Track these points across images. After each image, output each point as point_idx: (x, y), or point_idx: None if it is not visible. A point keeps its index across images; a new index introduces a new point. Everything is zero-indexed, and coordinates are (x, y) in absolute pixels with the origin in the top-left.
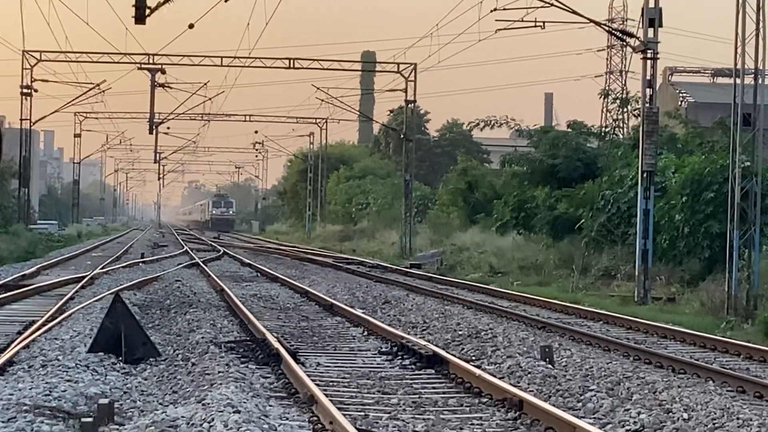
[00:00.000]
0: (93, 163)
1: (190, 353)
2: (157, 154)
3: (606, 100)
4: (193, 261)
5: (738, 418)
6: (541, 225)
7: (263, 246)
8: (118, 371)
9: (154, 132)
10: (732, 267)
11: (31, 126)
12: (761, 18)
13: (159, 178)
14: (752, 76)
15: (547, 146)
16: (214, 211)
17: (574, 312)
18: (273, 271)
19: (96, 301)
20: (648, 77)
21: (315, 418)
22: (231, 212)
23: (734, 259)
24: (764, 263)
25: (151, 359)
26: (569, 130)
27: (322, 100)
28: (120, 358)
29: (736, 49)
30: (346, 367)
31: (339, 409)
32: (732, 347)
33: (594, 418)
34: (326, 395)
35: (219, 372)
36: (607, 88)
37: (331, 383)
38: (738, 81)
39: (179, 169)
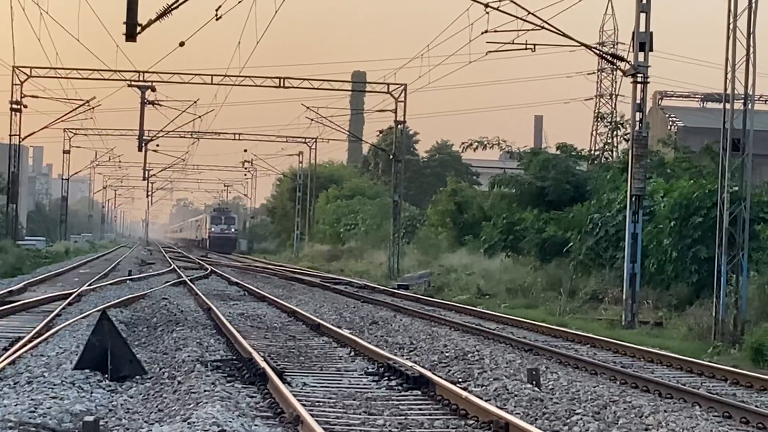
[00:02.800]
0: (81, 180)
1: (176, 371)
2: (146, 172)
3: (596, 123)
4: (181, 279)
5: None
6: (530, 247)
7: (251, 265)
8: (104, 389)
9: (143, 149)
10: (720, 292)
11: (20, 142)
12: (752, 44)
13: (147, 196)
14: (742, 101)
15: (537, 169)
16: (212, 229)
17: (561, 335)
18: (260, 290)
19: (83, 318)
20: (638, 101)
21: None
22: (233, 230)
23: (722, 284)
24: (752, 288)
25: (137, 377)
26: (558, 152)
27: (312, 120)
28: (106, 376)
29: (726, 74)
30: (333, 388)
31: (324, 429)
32: (719, 372)
33: None
34: (312, 415)
35: (205, 391)
36: (598, 111)
37: (317, 403)
38: (728, 106)
39: (168, 187)
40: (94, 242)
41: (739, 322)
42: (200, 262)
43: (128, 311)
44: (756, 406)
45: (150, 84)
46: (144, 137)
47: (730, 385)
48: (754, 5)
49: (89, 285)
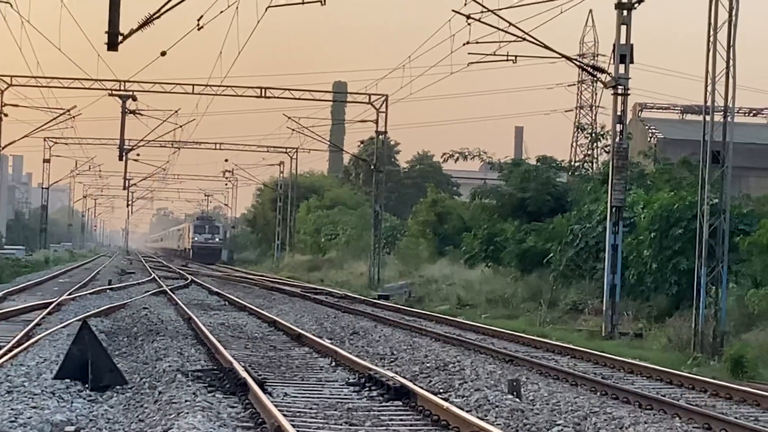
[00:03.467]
0: (61, 189)
1: (156, 381)
2: (127, 181)
3: (577, 134)
4: (161, 288)
5: None
6: (510, 258)
7: (231, 275)
8: (85, 399)
9: (123, 158)
10: (699, 303)
11: (0, 151)
12: (731, 56)
13: (128, 205)
14: (722, 113)
15: (518, 180)
16: (196, 238)
17: (541, 346)
18: (241, 300)
19: (63, 327)
20: (618, 113)
21: None
22: (218, 239)
23: (701, 295)
24: (731, 300)
25: (117, 387)
26: (539, 164)
27: (293, 130)
28: (86, 386)
29: (706, 86)
30: (314, 398)
31: None
32: (698, 384)
33: None
34: (293, 425)
35: (186, 401)
36: (578, 122)
37: (298, 413)
38: (708, 118)
39: (148, 196)
40: (73, 251)
41: (719, 333)
42: (180, 271)
43: (109, 321)
44: (735, 418)
45: (131, 93)
46: (125, 146)
47: (709, 396)
48: (734, 18)
49: (69, 294)
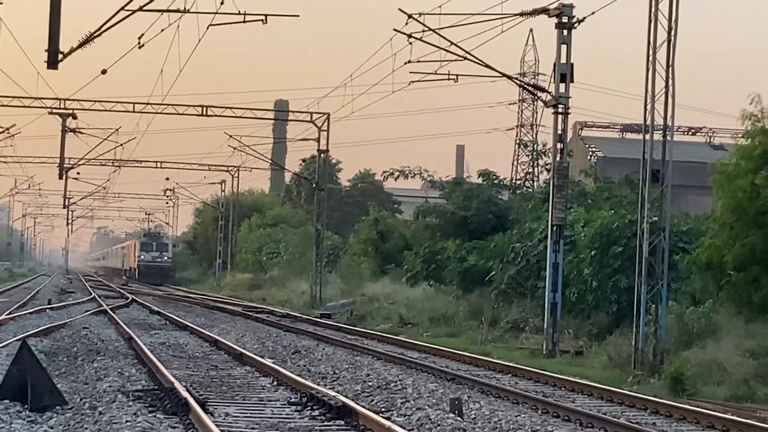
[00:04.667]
0: (1, 208)
1: (97, 402)
2: (67, 200)
3: (518, 152)
4: (101, 308)
5: None
6: (452, 276)
7: (173, 294)
8: (24, 419)
9: (63, 177)
10: (639, 321)
11: None
12: (671, 75)
13: (68, 224)
14: (661, 132)
15: (460, 198)
16: (142, 256)
17: (483, 364)
18: (182, 319)
19: (2, 347)
20: (559, 131)
21: None
22: (166, 257)
23: (641, 313)
24: (671, 318)
25: (57, 407)
26: (481, 180)
27: (235, 148)
28: (26, 406)
29: (645, 105)
30: (255, 417)
31: None
32: (639, 401)
33: None
34: None
35: (126, 421)
36: (519, 140)
37: None
38: (647, 137)
39: (89, 215)
40: (12, 270)
41: (659, 351)
42: (121, 290)
43: (48, 341)
44: None
45: (71, 111)
46: (65, 165)
47: (650, 414)
48: (672, 38)
49: (8, 314)
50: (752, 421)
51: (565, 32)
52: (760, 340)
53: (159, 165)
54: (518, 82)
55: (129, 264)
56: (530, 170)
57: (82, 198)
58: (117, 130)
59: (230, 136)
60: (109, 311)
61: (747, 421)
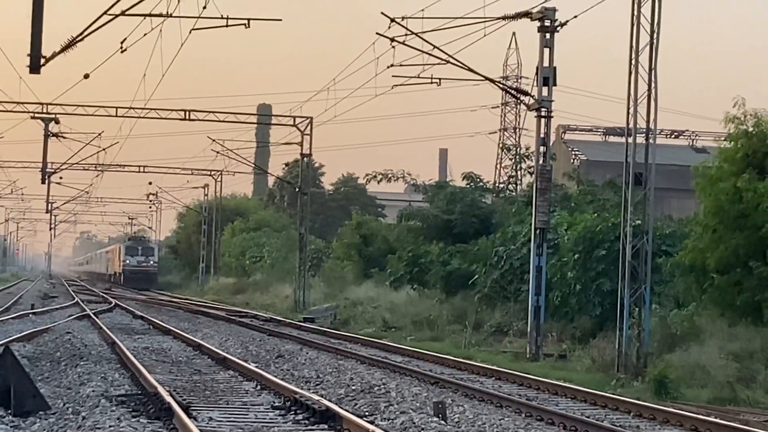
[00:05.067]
0: None
1: (80, 407)
2: (49, 204)
3: (501, 156)
4: (84, 312)
5: None
6: (435, 280)
7: (156, 298)
8: (7, 425)
9: (46, 182)
10: (623, 324)
11: None
12: (653, 79)
13: (51, 229)
14: (644, 135)
15: (443, 202)
16: (128, 261)
17: (466, 368)
18: (165, 323)
19: None
20: (542, 135)
21: None
22: (152, 262)
23: (625, 316)
24: (654, 321)
25: (40, 412)
26: (465, 184)
27: (218, 152)
28: (9, 411)
29: (628, 109)
30: (239, 422)
31: None
32: (622, 404)
33: None
34: None
35: (110, 426)
36: (502, 144)
37: None
38: (630, 140)
39: (71, 220)
40: None
41: (642, 354)
42: (104, 295)
43: (31, 346)
44: None
45: (54, 116)
46: (47, 170)
47: (633, 417)
48: (655, 41)
49: None
50: (735, 424)
51: (548, 36)
52: (743, 342)
53: (142, 169)
54: (501, 86)
55: (114, 269)
56: (513, 174)
57: (65, 202)
58: (100, 134)
59: (213, 140)
60: (93, 316)
61: (730, 424)
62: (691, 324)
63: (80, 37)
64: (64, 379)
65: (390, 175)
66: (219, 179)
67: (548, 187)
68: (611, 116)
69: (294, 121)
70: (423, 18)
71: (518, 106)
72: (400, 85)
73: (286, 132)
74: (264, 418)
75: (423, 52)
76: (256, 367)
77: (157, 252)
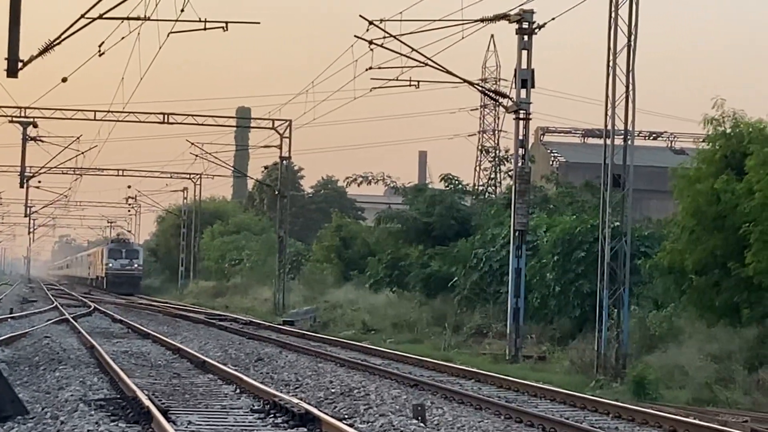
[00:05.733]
0: None
1: (59, 411)
2: (28, 208)
3: (480, 158)
4: (63, 317)
5: None
6: (415, 282)
7: (135, 302)
8: None
9: (24, 185)
10: (601, 326)
11: None
12: (631, 81)
13: (29, 233)
14: (622, 137)
15: (423, 204)
16: (111, 264)
17: (446, 370)
18: (144, 327)
19: None
20: (520, 137)
21: None
22: (137, 265)
23: (604, 318)
24: (633, 322)
25: (19, 417)
26: (444, 185)
27: (197, 156)
28: None
29: (606, 110)
30: (218, 426)
31: None
32: (601, 406)
33: None
34: None
35: (88, 430)
36: (481, 146)
37: None
38: (608, 142)
39: (50, 224)
40: None
41: (621, 355)
42: (83, 299)
43: (9, 350)
44: None
45: (32, 120)
46: (26, 174)
47: (612, 418)
48: (632, 44)
49: None
50: (714, 425)
51: (526, 38)
52: (721, 343)
53: (121, 173)
54: (479, 88)
55: (96, 272)
56: (492, 176)
57: (44, 206)
58: (78, 138)
59: (192, 144)
60: (71, 320)
61: (709, 425)
62: (669, 325)
63: (58, 41)
64: (42, 384)
65: (370, 178)
66: (198, 182)
67: (527, 189)
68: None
69: (273, 124)
70: (401, 21)
71: (497, 109)
72: (379, 87)
73: (266, 135)
74: (243, 422)
75: (401, 54)
76: (236, 370)
77: (142, 255)
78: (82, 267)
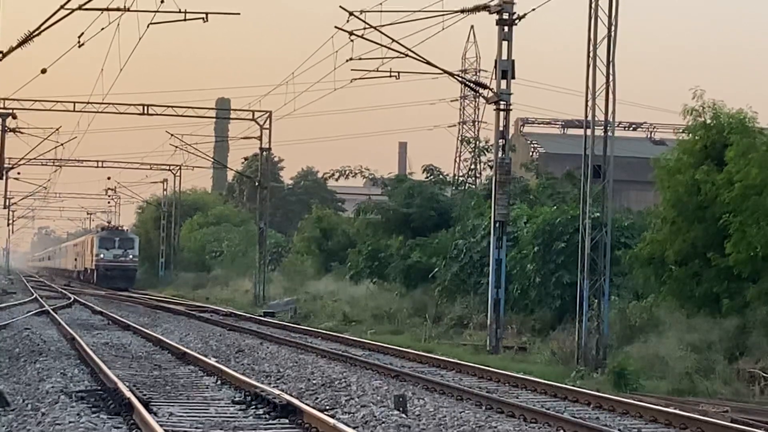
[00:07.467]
0: None
1: (39, 403)
2: (7, 200)
3: (460, 149)
4: (43, 308)
5: None
6: (395, 273)
7: (115, 294)
8: None
9: (3, 177)
10: (582, 317)
11: None
12: (611, 71)
13: (8, 224)
14: (602, 127)
15: (402, 196)
16: (102, 255)
17: (427, 361)
18: (125, 319)
19: None
20: (500, 128)
21: None
22: (132, 256)
23: (584, 309)
24: (613, 313)
25: None
26: (424, 177)
27: (177, 147)
28: None
29: (587, 101)
30: (200, 417)
31: None
32: (582, 396)
33: None
34: None
35: (70, 422)
36: (461, 137)
37: None
38: (588, 133)
39: (30, 215)
40: None
41: (601, 346)
42: (63, 291)
43: None
44: (619, 430)
45: (11, 111)
46: (5, 165)
47: (593, 409)
48: (613, 34)
49: None
50: (694, 415)
51: (506, 29)
52: (701, 334)
53: (100, 164)
54: (460, 79)
55: (84, 264)
56: (473, 167)
57: (23, 198)
58: (57, 129)
59: (172, 135)
60: (51, 312)
61: (689, 415)
62: (650, 315)
63: (37, 32)
64: (23, 376)
65: (348, 172)
66: (178, 174)
67: (507, 180)
68: (570, 109)
69: (253, 115)
70: (381, 11)
71: (477, 99)
72: (359, 78)
73: (245, 126)
74: (224, 413)
75: (382, 45)
76: (217, 362)
77: (138, 245)
78: (67, 258)
